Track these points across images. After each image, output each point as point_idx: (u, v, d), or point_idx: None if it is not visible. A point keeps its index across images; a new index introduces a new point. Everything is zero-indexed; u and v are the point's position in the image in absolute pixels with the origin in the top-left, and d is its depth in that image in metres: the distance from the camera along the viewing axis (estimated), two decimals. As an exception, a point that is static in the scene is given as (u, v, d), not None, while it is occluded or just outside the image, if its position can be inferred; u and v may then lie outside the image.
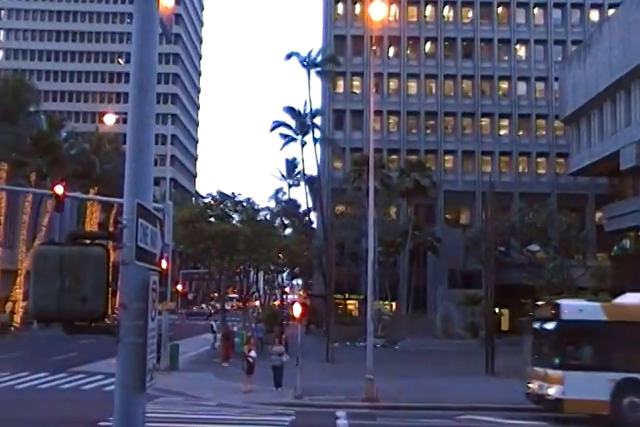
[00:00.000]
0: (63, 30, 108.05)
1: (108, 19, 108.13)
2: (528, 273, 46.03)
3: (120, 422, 4.83)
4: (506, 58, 68.19)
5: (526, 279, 45.18)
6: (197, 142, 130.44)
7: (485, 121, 67.96)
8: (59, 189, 25.58)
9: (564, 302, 19.68)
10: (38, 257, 4.72)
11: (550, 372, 17.93)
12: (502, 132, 68.10)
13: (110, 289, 4.78)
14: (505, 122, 68.26)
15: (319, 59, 59.54)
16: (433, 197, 61.05)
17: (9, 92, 48.82)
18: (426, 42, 68.71)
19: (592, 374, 17.18)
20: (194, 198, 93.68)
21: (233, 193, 55.52)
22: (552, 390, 17.59)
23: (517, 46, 68.89)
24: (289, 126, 60.62)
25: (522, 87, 67.97)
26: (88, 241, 4.93)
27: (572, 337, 18.25)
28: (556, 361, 17.86)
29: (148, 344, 4.87)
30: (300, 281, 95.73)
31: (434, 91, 68.29)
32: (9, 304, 50.45)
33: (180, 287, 60.09)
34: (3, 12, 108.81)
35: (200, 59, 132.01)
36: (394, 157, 65.86)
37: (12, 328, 47.85)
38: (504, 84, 68.46)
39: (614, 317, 18.03)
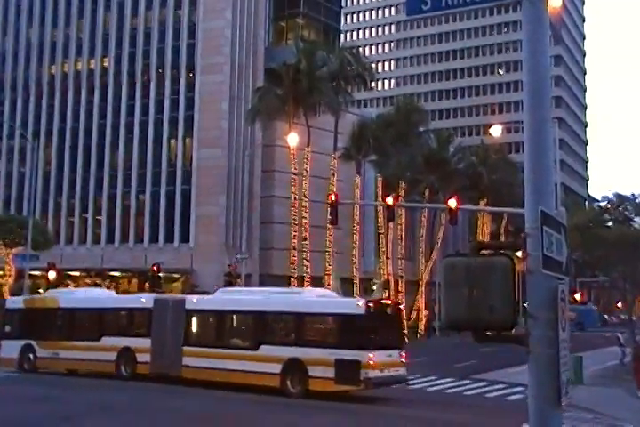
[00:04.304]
0: (445, 51, 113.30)
1: (485, 32, 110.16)
2: None
3: (536, 434, 4.74)
4: None
5: None
6: (587, 144, 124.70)
7: None
8: (452, 203, 26.70)
9: (10, 298, 31.51)
10: (447, 268, 4.89)
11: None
12: None
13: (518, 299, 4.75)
14: None
15: None
16: None
17: (401, 116, 52.86)
18: None
19: (13, 342, 26.50)
20: (587, 203, 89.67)
21: (633, 194, 51.71)
22: None
23: None
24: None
25: None
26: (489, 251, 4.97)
27: (10, 319, 27.66)
28: None
29: (560, 356, 4.71)
30: None
31: None
32: (413, 313, 54.02)
33: (578, 297, 57.62)
34: (392, 43, 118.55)
35: (584, 56, 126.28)
36: None
37: (418, 335, 51.09)
38: None
39: (26, 305, 27.66)
